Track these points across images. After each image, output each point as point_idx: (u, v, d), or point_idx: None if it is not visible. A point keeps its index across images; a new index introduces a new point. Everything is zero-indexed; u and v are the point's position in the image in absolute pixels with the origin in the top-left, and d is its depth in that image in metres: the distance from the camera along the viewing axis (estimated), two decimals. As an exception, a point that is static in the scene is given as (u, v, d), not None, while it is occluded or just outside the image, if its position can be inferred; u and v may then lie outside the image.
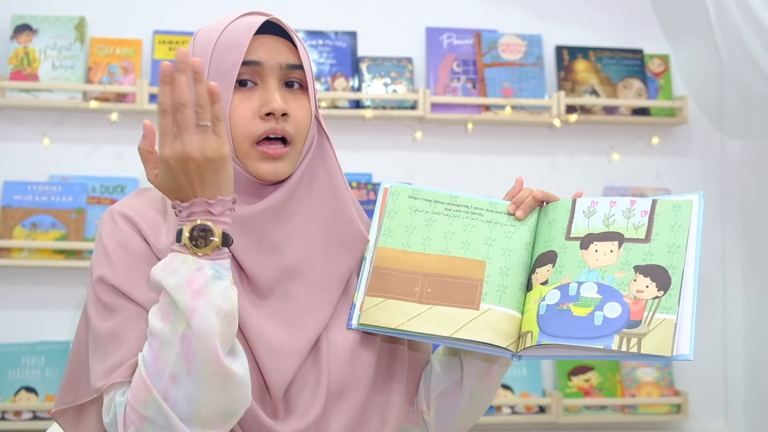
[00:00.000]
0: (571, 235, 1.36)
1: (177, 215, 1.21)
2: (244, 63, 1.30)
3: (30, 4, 3.01)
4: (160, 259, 1.29)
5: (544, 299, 1.32)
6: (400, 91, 3.08)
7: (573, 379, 3.07)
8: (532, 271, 1.38)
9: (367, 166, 3.09)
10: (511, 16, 3.22)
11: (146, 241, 1.31)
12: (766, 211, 3.17)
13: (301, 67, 1.35)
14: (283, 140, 1.33)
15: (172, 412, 1.15)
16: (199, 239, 1.18)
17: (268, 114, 1.31)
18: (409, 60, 3.13)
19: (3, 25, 2.99)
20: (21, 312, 2.95)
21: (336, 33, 3.10)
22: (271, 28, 1.34)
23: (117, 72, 2.97)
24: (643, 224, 1.33)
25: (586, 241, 1.34)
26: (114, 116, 2.94)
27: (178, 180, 1.18)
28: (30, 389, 2.84)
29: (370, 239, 1.43)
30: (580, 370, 3.09)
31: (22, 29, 2.96)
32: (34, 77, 2.93)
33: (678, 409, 3.09)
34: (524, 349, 1.30)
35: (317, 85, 2.99)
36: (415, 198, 1.45)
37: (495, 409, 2.99)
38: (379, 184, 2.86)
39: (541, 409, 3.04)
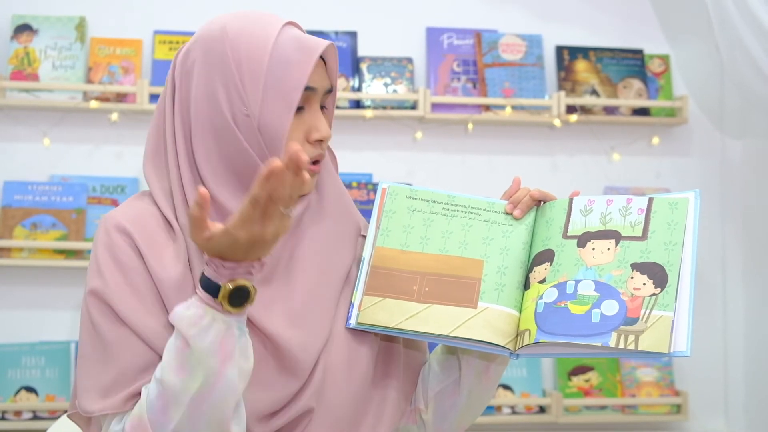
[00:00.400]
0: (569, 234, 1.36)
1: (213, 268, 1.18)
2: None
3: (30, 4, 3.01)
4: (151, 274, 1.30)
5: (541, 297, 1.32)
6: (400, 91, 3.08)
7: (573, 379, 3.07)
8: (529, 270, 1.38)
9: (368, 166, 3.09)
10: (512, 16, 3.22)
11: (140, 254, 1.31)
12: (767, 211, 3.17)
13: (331, 90, 1.38)
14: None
15: None
16: (236, 298, 1.18)
17: (317, 140, 1.33)
18: (410, 60, 3.13)
19: (3, 25, 3.00)
20: (21, 312, 2.95)
21: (336, 33, 3.11)
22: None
23: (117, 72, 2.98)
24: (639, 222, 1.33)
25: (583, 240, 1.34)
26: (114, 116, 2.94)
27: (235, 248, 1.16)
28: (30, 389, 2.84)
29: (368, 239, 1.44)
30: (581, 370, 3.09)
31: (23, 29, 2.97)
32: (35, 77, 2.93)
33: (678, 409, 3.09)
34: (522, 347, 1.30)
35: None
36: (413, 198, 1.46)
37: (495, 409, 2.99)
38: (379, 184, 2.86)
39: (541, 409, 3.04)
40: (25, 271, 2.95)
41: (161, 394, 1.19)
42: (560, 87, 3.15)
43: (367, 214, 1.49)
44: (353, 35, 3.12)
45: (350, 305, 1.39)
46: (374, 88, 3.08)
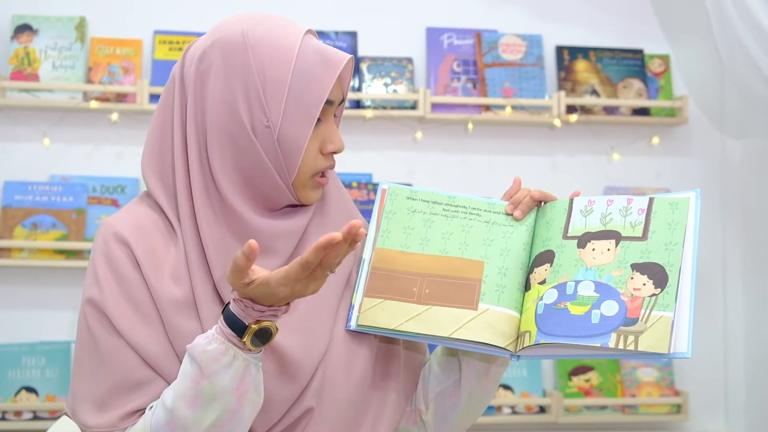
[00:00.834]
0: (569, 234, 1.36)
1: (242, 308, 1.17)
2: None
3: (30, 4, 3.01)
4: (147, 285, 1.29)
5: (542, 299, 1.32)
6: (400, 91, 3.08)
7: (573, 379, 3.07)
8: (530, 271, 1.38)
9: (368, 167, 3.09)
10: (512, 16, 3.22)
11: (139, 265, 1.30)
12: (767, 212, 3.17)
13: (343, 101, 1.39)
14: None
15: None
16: (259, 338, 1.19)
17: (331, 152, 1.35)
18: (410, 60, 3.13)
19: (3, 25, 3.00)
20: (21, 312, 2.95)
21: (336, 33, 3.10)
22: None
23: (117, 72, 2.98)
24: (640, 222, 1.33)
25: (583, 240, 1.34)
26: (114, 116, 2.94)
27: (270, 299, 1.16)
28: (30, 389, 2.84)
29: (368, 240, 1.43)
30: (581, 370, 3.09)
31: (23, 29, 2.97)
32: (35, 77, 2.93)
33: (678, 409, 3.09)
34: (523, 348, 1.30)
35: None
36: (413, 199, 1.45)
37: (495, 409, 2.99)
38: (378, 184, 2.86)
39: (542, 409, 3.04)
40: (26, 272, 2.95)
41: (170, 422, 1.20)
42: (560, 87, 3.15)
43: (367, 214, 1.49)
44: (353, 35, 3.11)
45: (350, 307, 1.39)
46: (374, 88, 3.08)
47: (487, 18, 3.21)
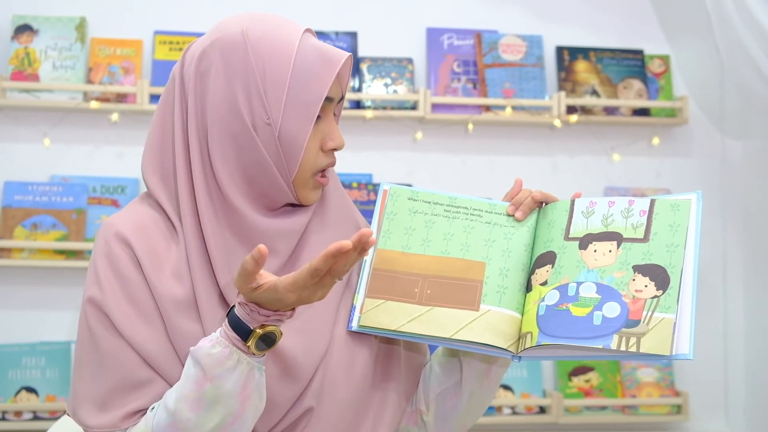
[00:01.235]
0: (570, 236, 1.36)
1: (247, 312, 1.18)
2: None
3: (30, 5, 3.01)
4: (149, 285, 1.29)
5: (543, 300, 1.32)
6: (400, 92, 3.08)
7: (573, 380, 3.07)
8: (531, 272, 1.38)
9: (368, 167, 3.09)
10: (512, 17, 3.22)
11: (140, 265, 1.31)
12: (767, 212, 3.17)
13: (342, 98, 1.39)
14: None
15: None
16: (263, 342, 1.19)
17: (331, 149, 1.34)
18: (410, 60, 3.13)
19: (4, 26, 3.00)
20: (21, 312, 2.95)
21: (336, 33, 3.10)
22: None
23: (117, 72, 2.98)
24: (641, 224, 1.33)
25: (584, 242, 1.34)
26: (114, 117, 2.94)
27: (277, 304, 1.17)
28: (30, 389, 2.84)
29: (370, 241, 1.44)
30: (581, 370, 3.09)
31: (23, 29, 2.97)
32: (35, 78, 2.93)
33: (678, 409, 3.09)
34: (524, 350, 1.30)
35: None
36: (414, 200, 1.45)
37: (495, 410, 2.99)
38: (379, 185, 2.86)
39: (542, 410, 3.04)
40: (26, 272, 2.95)
41: (172, 424, 1.20)
42: (560, 87, 3.15)
43: (366, 214, 1.49)
44: (353, 35, 3.11)
45: (351, 308, 1.39)
46: (374, 88, 3.08)
47: (488, 18, 3.21)
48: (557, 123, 3.07)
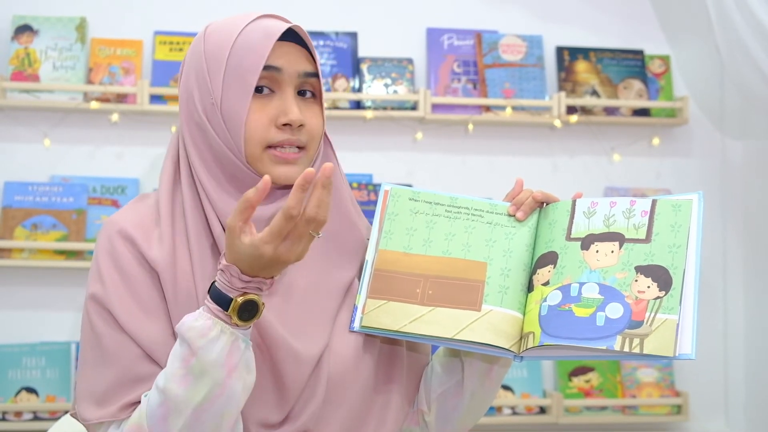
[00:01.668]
0: (572, 236, 1.36)
1: (227, 278, 1.19)
2: (264, 68, 1.29)
3: (31, 5, 3.01)
4: (156, 270, 1.30)
5: (545, 300, 1.32)
6: (400, 92, 3.08)
7: (573, 380, 3.07)
8: (533, 272, 1.38)
9: (368, 167, 3.09)
10: (512, 17, 3.22)
11: (144, 258, 1.31)
12: (767, 212, 3.17)
13: (316, 75, 1.35)
14: (297, 147, 1.33)
15: None
16: (245, 312, 1.19)
17: (285, 124, 1.31)
18: (410, 61, 3.13)
19: (4, 26, 2.99)
20: (22, 313, 2.95)
21: (337, 34, 3.10)
22: (288, 35, 1.33)
23: (118, 73, 2.97)
24: (643, 224, 1.33)
25: (586, 242, 1.34)
26: (115, 117, 2.94)
27: (256, 263, 1.17)
28: (30, 390, 2.84)
29: (371, 242, 1.43)
30: (581, 370, 3.09)
31: (23, 30, 2.96)
32: (35, 78, 2.93)
33: (678, 409, 3.09)
34: (526, 350, 1.30)
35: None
36: (415, 200, 1.45)
37: (495, 410, 2.99)
38: (379, 185, 2.86)
39: (542, 410, 3.04)
40: (26, 272, 2.94)
41: (163, 403, 1.19)
42: (560, 88, 3.15)
43: (367, 214, 1.49)
44: (353, 36, 3.11)
45: (354, 308, 1.39)
46: (374, 88, 3.08)
47: (488, 18, 3.21)
48: (557, 123, 3.07)
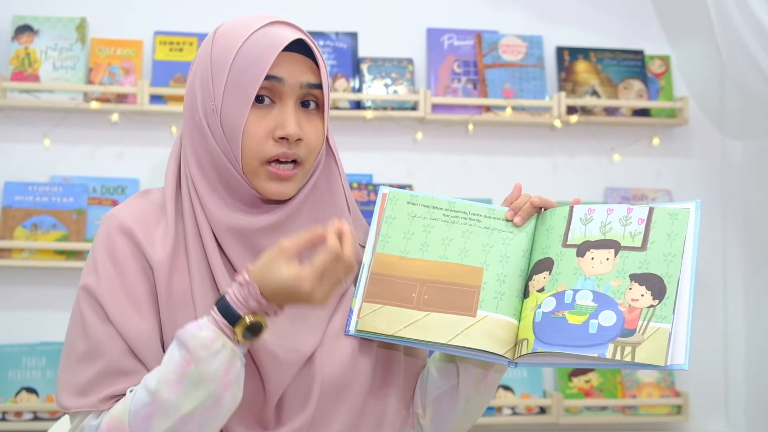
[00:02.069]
0: (568, 243, 1.36)
1: (244, 295, 1.20)
2: (265, 78, 1.28)
3: (31, 5, 3.01)
4: (151, 268, 1.30)
5: (540, 306, 1.32)
6: (400, 92, 3.08)
7: (573, 380, 3.07)
8: (529, 278, 1.38)
9: (368, 167, 3.09)
10: (512, 17, 3.22)
11: (143, 253, 1.31)
12: (767, 212, 3.16)
13: (320, 86, 1.34)
14: (293, 161, 1.32)
15: None
16: (249, 332, 1.20)
17: (282, 138, 1.29)
18: (410, 61, 3.12)
19: (4, 26, 3.00)
20: (22, 313, 2.95)
21: (337, 34, 3.10)
22: (296, 43, 1.31)
23: (118, 73, 2.98)
24: (639, 232, 1.33)
25: (582, 249, 1.34)
26: (115, 117, 2.94)
27: (284, 292, 1.18)
28: (30, 390, 2.85)
29: (368, 245, 1.43)
30: (581, 371, 3.09)
31: (23, 30, 2.96)
32: (35, 78, 2.93)
33: (679, 410, 3.09)
34: (520, 356, 1.30)
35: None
36: (413, 204, 1.45)
37: (495, 410, 2.99)
38: (379, 185, 2.86)
39: (542, 410, 3.04)
40: (26, 272, 2.95)
41: (150, 404, 1.19)
42: (561, 88, 3.15)
43: (366, 214, 1.49)
44: (353, 36, 3.11)
45: (349, 312, 1.39)
46: (375, 88, 3.08)
47: (488, 19, 3.20)
48: (557, 123, 3.06)
